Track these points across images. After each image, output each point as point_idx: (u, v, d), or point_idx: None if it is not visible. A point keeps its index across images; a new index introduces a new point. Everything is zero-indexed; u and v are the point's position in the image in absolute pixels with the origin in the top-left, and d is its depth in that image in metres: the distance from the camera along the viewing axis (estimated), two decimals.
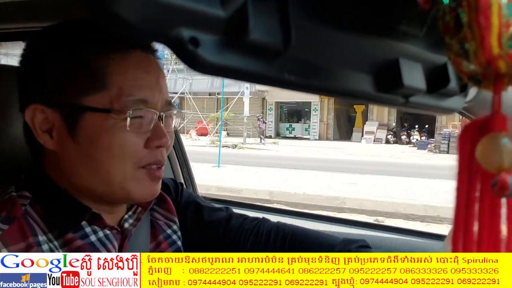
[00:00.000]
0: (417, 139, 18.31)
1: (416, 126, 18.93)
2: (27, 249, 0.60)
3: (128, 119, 0.63)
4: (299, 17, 0.25)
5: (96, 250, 0.67)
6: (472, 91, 0.45)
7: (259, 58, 0.25)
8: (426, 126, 18.77)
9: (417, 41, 0.32)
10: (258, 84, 0.27)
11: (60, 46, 0.66)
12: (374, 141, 19.79)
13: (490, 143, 0.23)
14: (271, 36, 0.24)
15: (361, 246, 0.80)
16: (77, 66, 0.64)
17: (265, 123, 21.41)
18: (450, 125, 17.07)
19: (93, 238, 0.68)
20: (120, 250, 0.71)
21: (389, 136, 19.69)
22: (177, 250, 0.84)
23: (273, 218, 0.94)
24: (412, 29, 0.30)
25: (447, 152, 14.83)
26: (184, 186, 0.96)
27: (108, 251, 0.69)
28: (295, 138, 22.17)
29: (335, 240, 0.81)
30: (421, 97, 0.34)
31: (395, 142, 19.15)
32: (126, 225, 0.74)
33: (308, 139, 21.72)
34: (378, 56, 0.31)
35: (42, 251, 0.61)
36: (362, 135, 20.71)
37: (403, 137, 19.11)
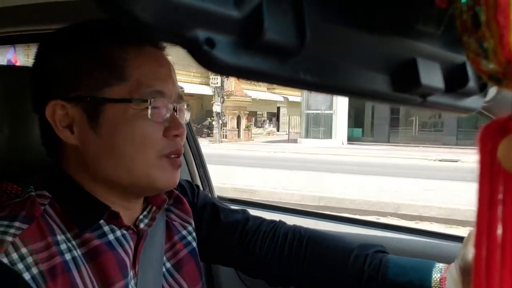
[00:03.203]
0: None
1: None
2: (46, 248, 0.61)
3: (149, 108, 0.65)
4: (314, 16, 0.25)
5: (114, 249, 0.68)
6: (492, 91, 0.44)
7: (274, 58, 0.24)
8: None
9: (435, 40, 0.31)
10: (274, 84, 0.27)
11: (77, 42, 0.67)
12: None
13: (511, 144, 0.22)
14: (286, 36, 0.24)
15: (378, 251, 0.79)
16: (96, 60, 0.66)
17: None
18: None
19: (111, 237, 0.68)
20: (135, 251, 0.72)
21: None
22: (192, 251, 0.84)
23: (290, 218, 0.94)
24: (429, 28, 0.30)
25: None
26: (201, 188, 0.96)
27: (125, 251, 0.69)
28: None
29: (352, 244, 0.81)
30: (439, 97, 0.33)
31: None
32: (142, 225, 0.74)
33: None
34: (395, 55, 0.30)
35: (60, 250, 0.62)
36: None
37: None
